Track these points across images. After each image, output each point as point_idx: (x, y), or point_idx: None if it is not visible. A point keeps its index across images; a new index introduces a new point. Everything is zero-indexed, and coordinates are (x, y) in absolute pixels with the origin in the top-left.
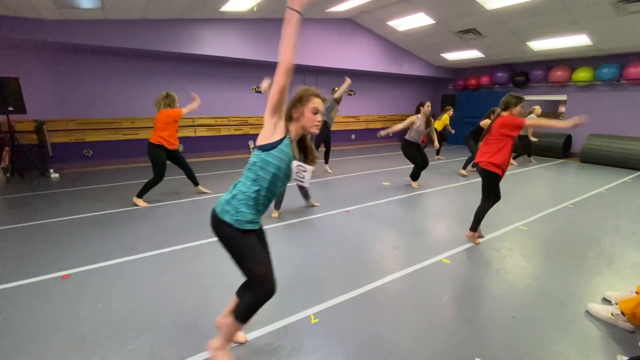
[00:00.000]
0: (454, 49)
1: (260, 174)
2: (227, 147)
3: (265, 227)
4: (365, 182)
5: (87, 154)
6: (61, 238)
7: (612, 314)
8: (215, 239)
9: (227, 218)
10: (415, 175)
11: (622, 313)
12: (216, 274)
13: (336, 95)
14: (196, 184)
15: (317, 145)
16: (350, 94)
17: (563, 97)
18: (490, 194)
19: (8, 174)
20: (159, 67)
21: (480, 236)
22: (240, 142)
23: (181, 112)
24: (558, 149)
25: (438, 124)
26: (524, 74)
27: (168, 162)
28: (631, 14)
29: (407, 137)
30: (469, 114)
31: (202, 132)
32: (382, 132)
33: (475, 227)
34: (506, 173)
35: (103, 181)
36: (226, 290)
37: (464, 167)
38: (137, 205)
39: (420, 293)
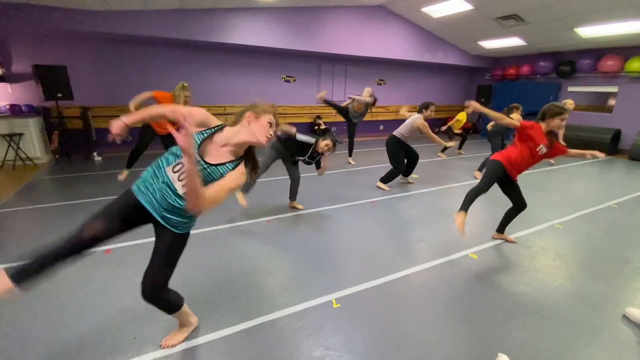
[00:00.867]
0: (492, 37)
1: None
2: None
3: (290, 215)
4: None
5: (126, 139)
6: None
7: None
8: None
9: None
10: (388, 179)
11: None
12: (242, 256)
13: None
14: None
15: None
16: (380, 84)
17: (614, 89)
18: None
19: (57, 156)
20: (193, 55)
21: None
22: None
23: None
24: (605, 145)
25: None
26: (570, 63)
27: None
28: None
29: (396, 133)
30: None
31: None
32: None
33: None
34: (545, 169)
35: (141, 165)
36: (252, 270)
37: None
38: None
39: (444, 286)
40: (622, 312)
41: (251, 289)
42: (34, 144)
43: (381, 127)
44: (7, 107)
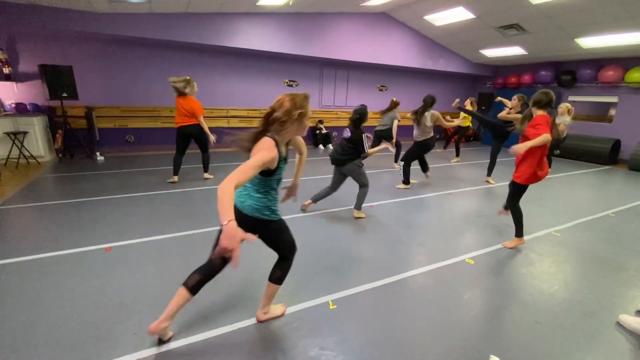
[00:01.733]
0: (494, 45)
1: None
2: None
3: (294, 216)
4: (391, 178)
5: (129, 140)
6: (105, 215)
7: None
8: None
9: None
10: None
11: None
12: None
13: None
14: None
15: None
16: (382, 90)
17: (614, 99)
18: None
19: (60, 155)
20: (198, 59)
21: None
22: None
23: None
24: (605, 154)
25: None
26: (571, 72)
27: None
28: None
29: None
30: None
31: (234, 123)
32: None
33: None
34: (546, 177)
35: (143, 165)
36: (250, 271)
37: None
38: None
39: (440, 290)
40: (616, 319)
41: (249, 288)
42: (38, 143)
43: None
44: (13, 105)
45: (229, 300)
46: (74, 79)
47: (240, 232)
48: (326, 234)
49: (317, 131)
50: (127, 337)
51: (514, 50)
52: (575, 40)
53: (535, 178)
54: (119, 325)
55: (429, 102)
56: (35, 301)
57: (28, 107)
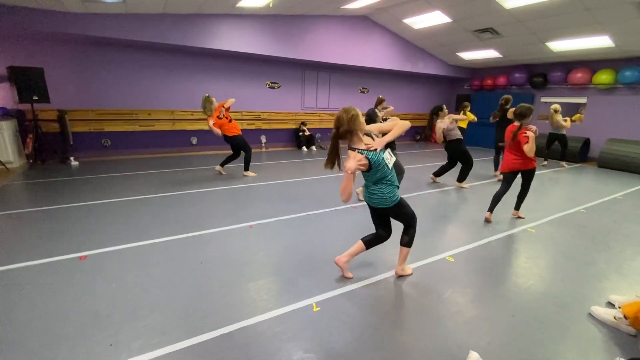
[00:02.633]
0: (470, 49)
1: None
2: None
3: (272, 220)
4: None
5: (105, 144)
6: (79, 222)
7: (614, 317)
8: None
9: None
10: (461, 177)
11: (625, 317)
12: (224, 261)
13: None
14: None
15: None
16: (363, 92)
17: (583, 100)
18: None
19: (31, 160)
20: (177, 60)
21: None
22: (253, 137)
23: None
24: (575, 153)
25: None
26: (543, 75)
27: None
28: None
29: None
30: (485, 115)
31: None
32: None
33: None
34: (519, 176)
35: (120, 170)
36: (232, 276)
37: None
38: (247, 176)
39: (421, 288)
40: (588, 310)
41: (232, 293)
42: (6, 148)
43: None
44: None
45: (207, 307)
46: (44, 81)
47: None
48: (308, 237)
49: (301, 133)
50: (103, 348)
51: (490, 53)
52: (546, 43)
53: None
54: (95, 336)
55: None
56: (5, 314)
57: None
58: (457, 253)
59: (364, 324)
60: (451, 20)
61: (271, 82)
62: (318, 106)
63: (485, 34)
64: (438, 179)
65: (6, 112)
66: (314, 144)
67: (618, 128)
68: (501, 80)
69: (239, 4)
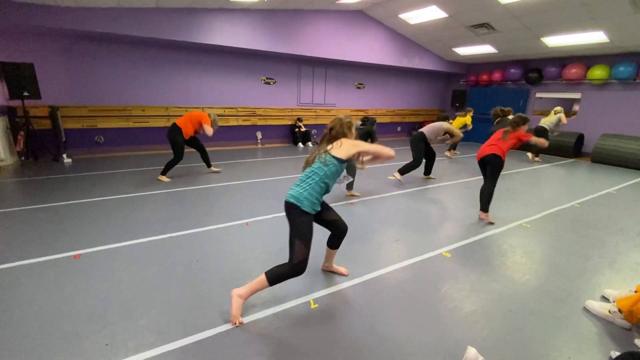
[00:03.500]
0: (466, 44)
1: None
2: (235, 137)
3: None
4: (371, 175)
5: (98, 141)
6: (73, 220)
7: (609, 311)
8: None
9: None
10: (404, 170)
11: (619, 310)
12: (220, 258)
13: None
14: (209, 165)
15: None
16: (359, 88)
17: (577, 95)
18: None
19: (22, 158)
20: (170, 56)
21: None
22: (248, 133)
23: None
24: (569, 148)
25: (458, 122)
26: (538, 70)
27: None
28: None
29: (425, 132)
30: (481, 110)
31: None
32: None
33: (486, 207)
34: (516, 171)
35: (114, 167)
36: (227, 274)
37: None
38: (162, 181)
39: (418, 284)
40: (583, 304)
41: (229, 291)
42: None
43: (398, 129)
44: None
45: (204, 305)
46: (35, 77)
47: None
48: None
49: (297, 129)
50: (99, 348)
51: (485, 49)
52: (541, 39)
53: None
54: (91, 336)
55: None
56: None
57: None
58: (454, 249)
59: (361, 319)
60: (447, 16)
61: (266, 78)
62: (314, 102)
63: (481, 29)
64: (400, 178)
65: None
66: (310, 140)
67: (612, 123)
68: (496, 76)
69: None
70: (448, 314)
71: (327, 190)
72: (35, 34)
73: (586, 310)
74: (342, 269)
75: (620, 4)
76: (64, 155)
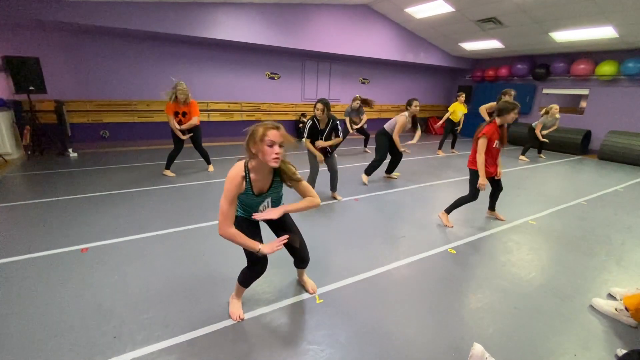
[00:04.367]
0: (472, 39)
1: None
2: (239, 132)
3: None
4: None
5: (104, 135)
6: (79, 214)
7: (615, 309)
8: None
9: None
10: (369, 170)
11: (626, 308)
12: (226, 253)
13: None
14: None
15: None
16: (364, 83)
17: (585, 92)
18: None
19: (29, 152)
20: (175, 50)
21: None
22: None
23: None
24: (576, 145)
25: (455, 116)
26: (545, 66)
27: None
28: None
29: (387, 128)
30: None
31: (215, 117)
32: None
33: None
34: (521, 168)
35: (119, 162)
36: (233, 268)
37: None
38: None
39: (424, 280)
40: (589, 302)
41: (234, 285)
42: (3, 139)
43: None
44: None
45: (210, 299)
46: (41, 71)
47: (273, 245)
48: (310, 230)
49: (301, 124)
50: (106, 341)
51: (492, 44)
52: (550, 34)
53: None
54: (98, 329)
55: None
56: (5, 307)
57: None
58: (459, 245)
59: (367, 315)
60: (454, 10)
61: (271, 73)
62: (318, 97)
63: (488, 23)
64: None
65: (2, 103)
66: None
67: (620, 120)
68: (503, 72)
69: None
70: (454, 310)
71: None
72: (41, 28)
73: (592, 308)
74: (309, 285)
75: None
76: (70, 150)
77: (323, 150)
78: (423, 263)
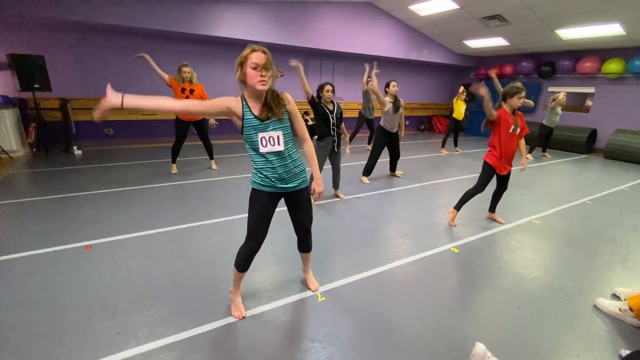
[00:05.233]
0: (477, 36)
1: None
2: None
3: (277, 210)
4: (377, 170)
5: (108, 133)
6: (84, 211)
7: (620, 310)
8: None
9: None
10: (368, 170)
11: (630, 309)
12: (228, 250)
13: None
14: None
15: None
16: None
17: (591, 90)
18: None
19: (34, 149)
20: (179, 48)
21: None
22: None
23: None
24: (581, 143)
25: (458, 114)
26: (551, 64)
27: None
28: None
29: (381, 123)
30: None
31: None
32: (372, 80)
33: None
34: (527, 166)
35: (123, 159)
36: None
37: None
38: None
39: (426, 279)
40: (593, 302)
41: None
42: (9, 137)
43: (407, 123)
44: None
45: (213, 296)
46: (46, 69)
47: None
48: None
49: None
50: (110, 337)
51: (497, 41)
52: (555, 31)
53: (499, 162)
54: (102, 325)
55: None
56: (10, 303)
57: None
58: (462, 244)
59: (369, 313)
60: (458, 7)
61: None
62: None
63: (493, 21)
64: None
65: (8, 101)
66: (316, 134)
67: (626, 118)
68: (508, 70)
69: None
70: (456, 309)
71: (268, 160)
72: (45, 26)
73: (596, 308)
74: (311, 283)
75: None
76: (74, 147)
77: (331, 144)
78: (426, 262)
